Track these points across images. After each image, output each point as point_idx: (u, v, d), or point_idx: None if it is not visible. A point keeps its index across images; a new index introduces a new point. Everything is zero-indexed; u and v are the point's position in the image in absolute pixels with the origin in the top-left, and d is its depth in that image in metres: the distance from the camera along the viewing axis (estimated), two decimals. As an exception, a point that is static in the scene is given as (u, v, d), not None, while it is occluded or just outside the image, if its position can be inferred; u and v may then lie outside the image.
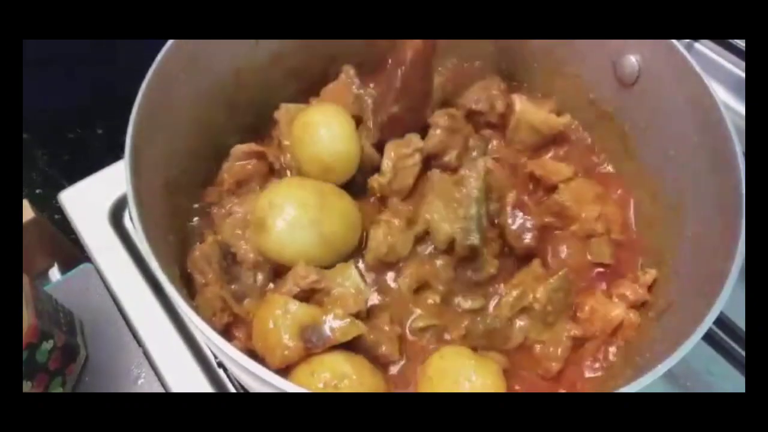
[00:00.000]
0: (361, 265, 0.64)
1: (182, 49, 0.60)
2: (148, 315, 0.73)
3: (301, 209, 0.60)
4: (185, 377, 0.69)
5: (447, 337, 0.62)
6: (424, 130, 0.69)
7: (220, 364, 0.70)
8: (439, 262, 0.63)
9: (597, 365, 0.61)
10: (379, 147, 0.68)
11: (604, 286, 0.65)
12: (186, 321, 0.72)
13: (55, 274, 0.89)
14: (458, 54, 0.77)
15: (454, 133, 0.69)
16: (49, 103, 1.07)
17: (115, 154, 0.77)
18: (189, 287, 0.61)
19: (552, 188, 0.69)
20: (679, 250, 0.62)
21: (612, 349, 0.61)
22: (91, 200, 0.81)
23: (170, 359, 0.70)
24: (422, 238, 0.64)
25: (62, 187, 0.82)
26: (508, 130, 0.73)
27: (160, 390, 0.69)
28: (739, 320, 0.62)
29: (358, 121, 0.69)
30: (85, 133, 1.33)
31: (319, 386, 0.53)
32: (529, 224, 0.63)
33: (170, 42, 0.59)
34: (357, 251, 0.65)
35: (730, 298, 0.48)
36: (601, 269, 0.67)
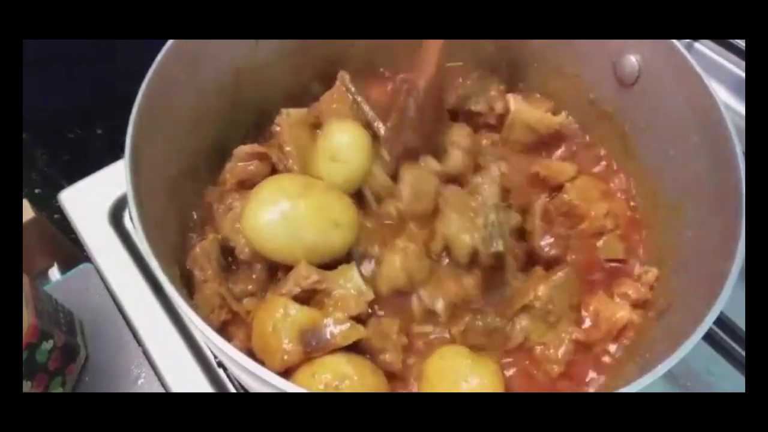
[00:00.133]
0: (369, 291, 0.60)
1: (182, 49, 0.60)
2: (148, 315, 0.73)
3: (275, 192, 0.59)
4: (185, 377, 0.69)
5: (446, 335, 0.61)
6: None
7: (220, 364, 0.70)
8: (467, 281, 0.60)
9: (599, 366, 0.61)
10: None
11: (607, 284, 0.65)
12: (186, 321, 0.72)
13: (55, 274, 0.89)
14: (458, 54, 0.77)
15: (473, 152, 0.67)
16: (49, 103, 1.07)
17: (115, 154, 0.77)
18: (189, 287, 0.61)
19: (557, 188, 0.69)
20: (679, 250, 0.62)
21: (613, 349, 0.61)
22: (91, 200, 0.81)
23: (170, 359, 0.70)
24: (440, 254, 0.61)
25: (62, 187, 0.82)
26: (503, 130, 0.73)
27: (160, 390, 0.69)
28: (739, 320, 0.62)
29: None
30: (85, 133, 1.33)
31: (319, 387, 0.53)
32: (555, 233, 0.63)
33: (170, 42, 0.59)
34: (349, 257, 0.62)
35: (730, 298, 0.48)
36: (612, 265, 0.67)
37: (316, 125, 0.70)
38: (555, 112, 0.73)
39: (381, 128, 0.68)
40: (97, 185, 0.82)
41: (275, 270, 0.63)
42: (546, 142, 0.74)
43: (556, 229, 0.64)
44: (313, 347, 0.54)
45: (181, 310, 0.49)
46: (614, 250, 0.67)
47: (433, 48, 0.63)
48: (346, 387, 0.53)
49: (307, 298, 0.58)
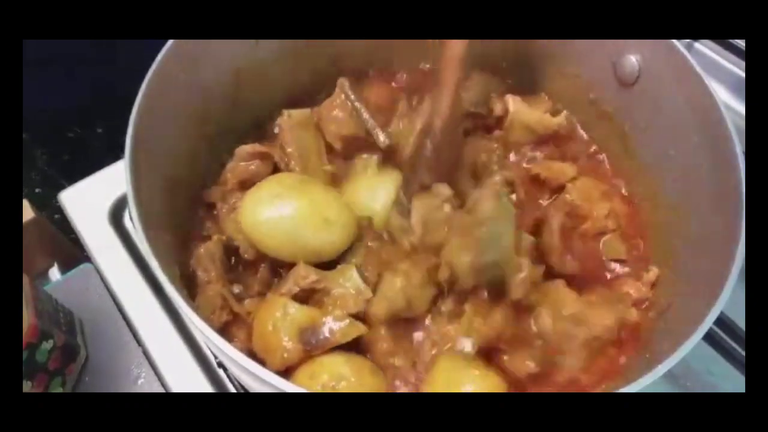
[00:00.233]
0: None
1: (182, 49, 0.60)
2: (148, 315, 0.73)
3: (273, 190, 0.60)
4: (185, 377, 0.69)
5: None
6: None
7: (220, 364, 0.70)
8: (497, 317, 0.57)
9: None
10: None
11: (608, 284, 0.65)
12: (186, 321, 0.72)
13: (55, 274, 0.89)
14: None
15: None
16: (49, 103, 1.07)
17: (115, 154, 0.77)
18: (189, 287, 0.61)
19: (558, 189, 0.69)
20: (679, 250, 0.62)
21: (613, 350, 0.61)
22: (91, 200, 0.81)
23: (170, 359, 0.70)
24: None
25: (62, 186, 0.82)
26: (502, 130, 0.73)
27: (160, 390, 0.69)
28: (739, 320, 0.62)
29: (356, 139, 0.68)
30: (85, 133, 1.33)
31: (317, 388, 0.53)
32: (571, 246, 0.62)
33: (170, 42, 0.59)
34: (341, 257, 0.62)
35: (730, 298, 0.48)
36: (616, 265, 0.67)
37: (317, 125, 0.70)
38: (554, 113, 0.73)
39: (380, 135, 0.66)
40: (97, 185, 0.82)
41: (279, 269, 0.63)
42: (546, 143, 0.74)
43: (572, 242, 0.63)
44: (312, 345, 0.54)
45: (181, 310, 0.49)
46: (616, 250, 0.67)
47: (448, 87, 0.62)
48: (343, 388, 0.53)
49: (307, 297, 0.59)
